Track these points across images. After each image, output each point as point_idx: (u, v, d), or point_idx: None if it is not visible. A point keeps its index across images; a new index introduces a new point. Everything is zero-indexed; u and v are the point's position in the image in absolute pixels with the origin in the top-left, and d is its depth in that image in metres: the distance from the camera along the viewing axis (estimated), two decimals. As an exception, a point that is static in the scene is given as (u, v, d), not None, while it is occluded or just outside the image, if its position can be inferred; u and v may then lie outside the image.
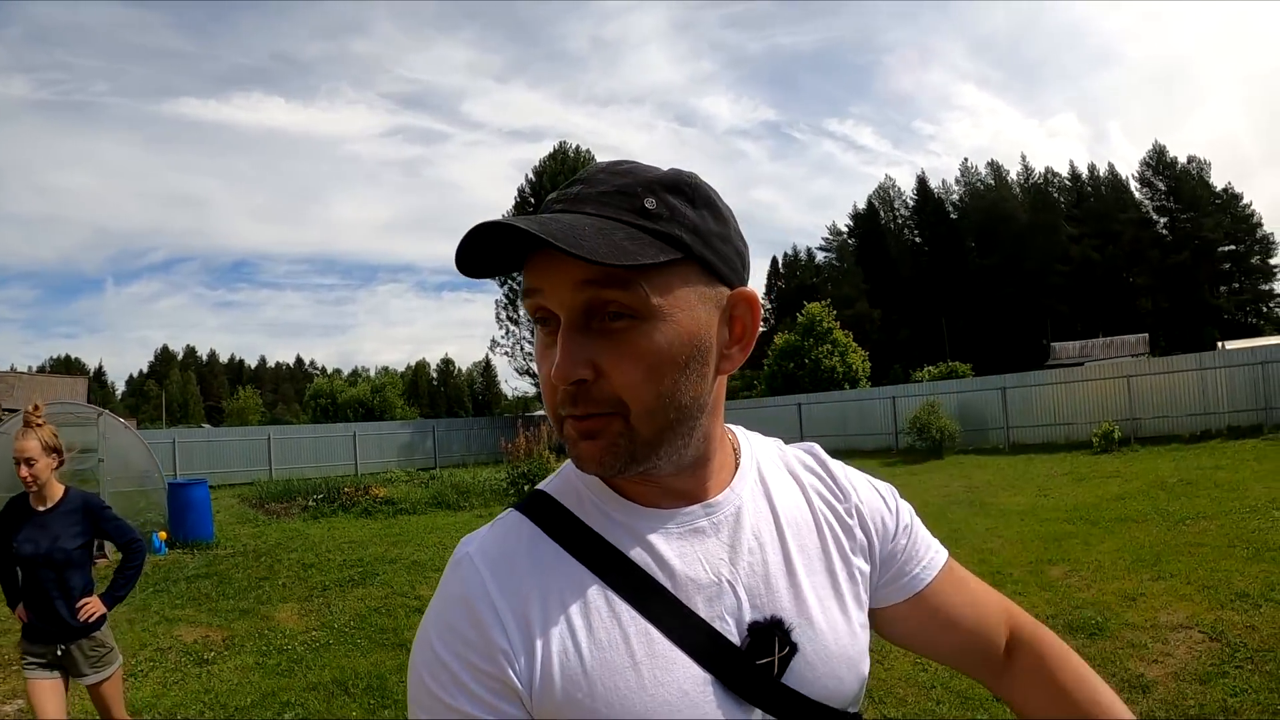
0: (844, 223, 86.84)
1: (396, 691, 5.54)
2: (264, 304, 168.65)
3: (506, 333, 39.47)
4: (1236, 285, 67.92)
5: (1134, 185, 72.78)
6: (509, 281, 39.61)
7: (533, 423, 23.02)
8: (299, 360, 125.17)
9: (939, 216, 77.94)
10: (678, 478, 0.89)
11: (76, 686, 3.90)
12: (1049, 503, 12.15)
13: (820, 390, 30.17)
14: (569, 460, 0.91)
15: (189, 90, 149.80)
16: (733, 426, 1.00)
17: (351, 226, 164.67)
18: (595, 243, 0.73)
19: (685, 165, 0.85)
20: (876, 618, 1.02)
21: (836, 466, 1.06)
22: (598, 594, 0.84)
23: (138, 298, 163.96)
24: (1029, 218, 70.89)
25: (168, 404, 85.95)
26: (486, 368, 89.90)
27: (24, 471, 3.63)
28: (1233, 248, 67.47)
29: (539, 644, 0.81)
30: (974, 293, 70.58)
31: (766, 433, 1.08)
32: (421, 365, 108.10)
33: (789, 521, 0.95)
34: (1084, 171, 74.86)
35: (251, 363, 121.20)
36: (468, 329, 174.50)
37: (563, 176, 37.85)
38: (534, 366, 39.17)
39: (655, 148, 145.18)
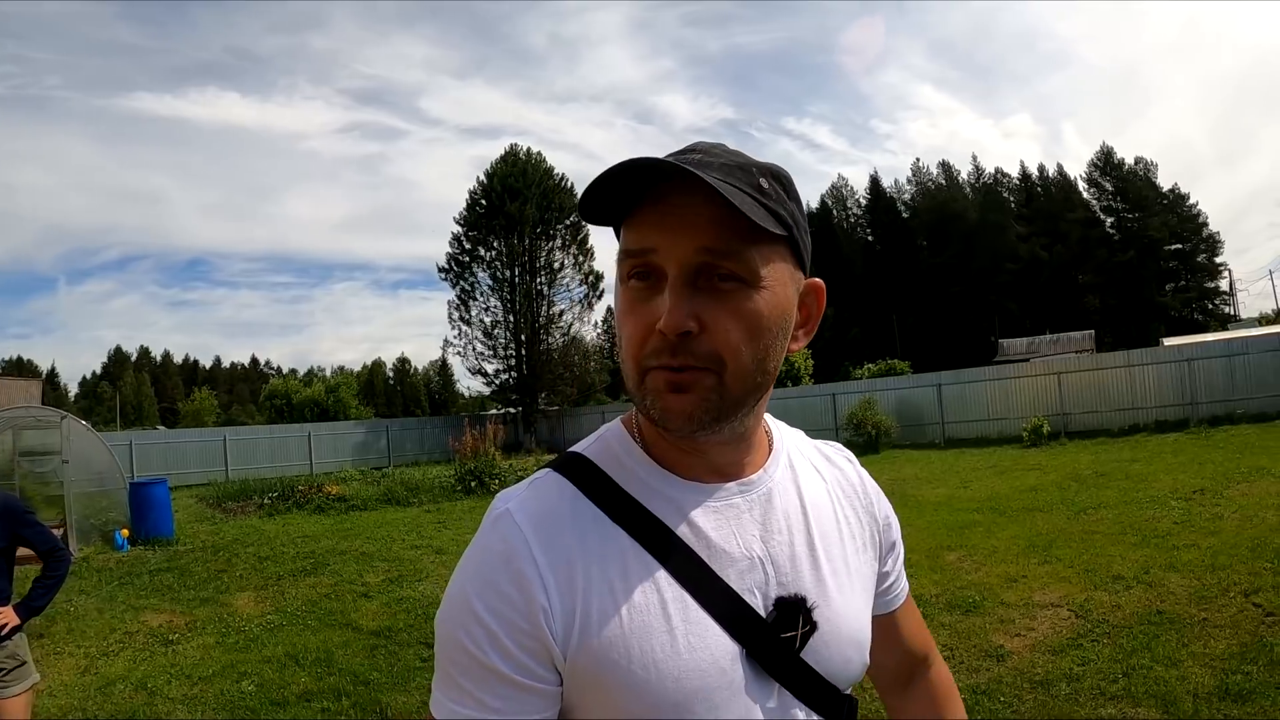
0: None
1: (341, 662, 6.25)
2: (219, 303, 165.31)
3: (459, 333, 39.74)
4: (1183, 283, 68.33)
5: (1082, 185, 73.46)
6: (460, 283, 39.93)
7: (480, 422, 23.64)
8: (254, 360, 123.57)
9: (891, 215, 78.25)
10: (723, 451, 0.93)
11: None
12: (966, 494, 12.73)
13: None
14: (607, 426, 0.99)
15: (143, 85, 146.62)
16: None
17: (307, 224, 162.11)
18: (741, 199, 0.79)
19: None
20: None
21: (863, 471, 1.12)
22: (636, 559, 0.86)
23: (90, 297, 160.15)
24: (979, 217, 70.99)
25: (122, 406, 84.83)
26: (443, 366, 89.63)
27: None
28: (1179, 246, 68.02)
29: (579, 603, 0.83)
30: (925, 291, 70.60)
31: None
32: (378, 364, 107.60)
33: (814, 508, 0.99)
34: (1034, 172, 75.43)
35: (206, 363, 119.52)
36: (425, 327, 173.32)
37: (514, 179, 38.29)
38: (485, 366, 39.26)
39: (613, 145, 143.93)
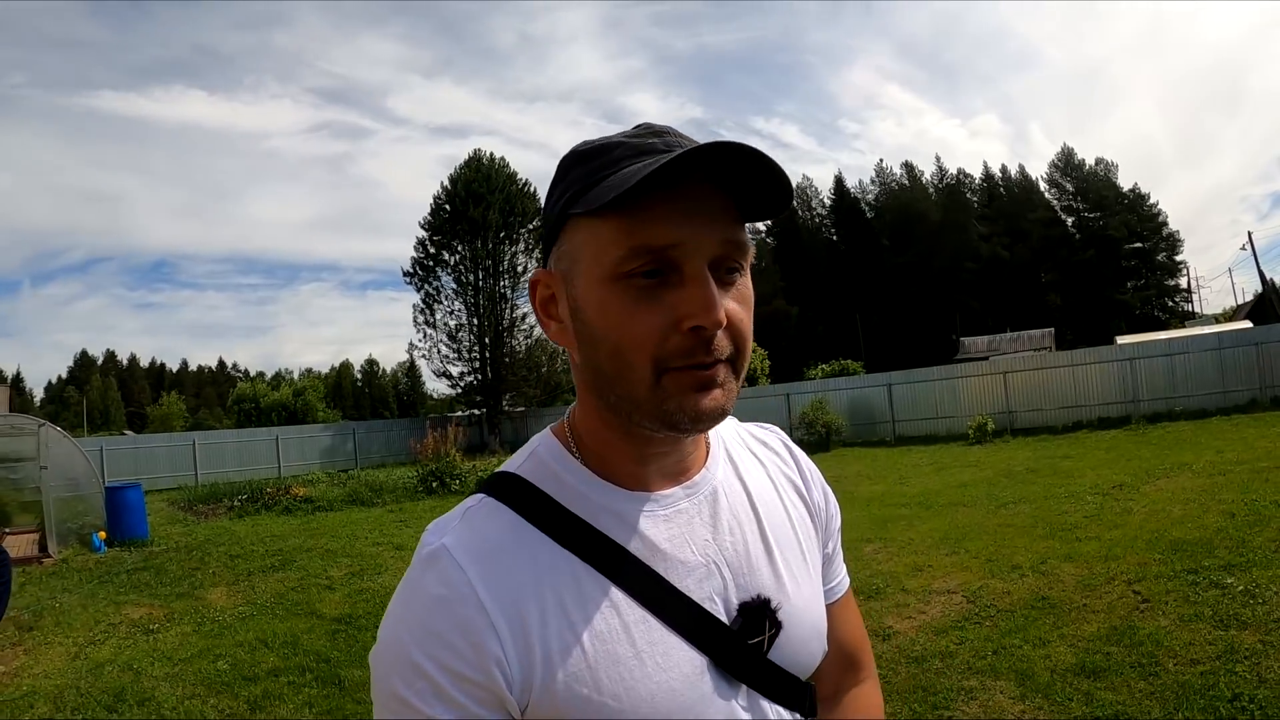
0: (762, 222, 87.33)
1: (306, 645, 7.01)
2: (185, 305, 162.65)
3: (424, 336, 40.25)
4: (1142, 281, 69.19)
5: (1043, 186, 74.32)
6: (425, 287, 40.48)
7: (441, 424, 24.24)
8: (221, 363, 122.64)
9: (855, 215, 78.67)
10: (677, 452, 0.91)
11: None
12: (901, 489, 13.24)
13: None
14: (536, 439, 0.95)
15: (107, 83, 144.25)
16: None
17: (274, 224, 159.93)
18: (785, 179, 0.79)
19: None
20: None
21: (799, 453, 1.09)
22: (592, 583, 0.83)
23: (55, 300, 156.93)
24: (941, 217, 71.65)
25: (89, 410, 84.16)
26: (411, 367, 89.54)
27: None
28: (1139, 245, 68.83)
29: (537, 643, 0.79)
30: (888, 290, 70.66)
31: None
32: (346, 366, 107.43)
33: (761, 500, 0.97)
34: (997, 172, 76.00)
35: (173, 366, 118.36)
36: (393, 328, 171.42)
37: (478, 184, 38.85)
38: (450, 369, 39.52)
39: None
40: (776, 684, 0.90)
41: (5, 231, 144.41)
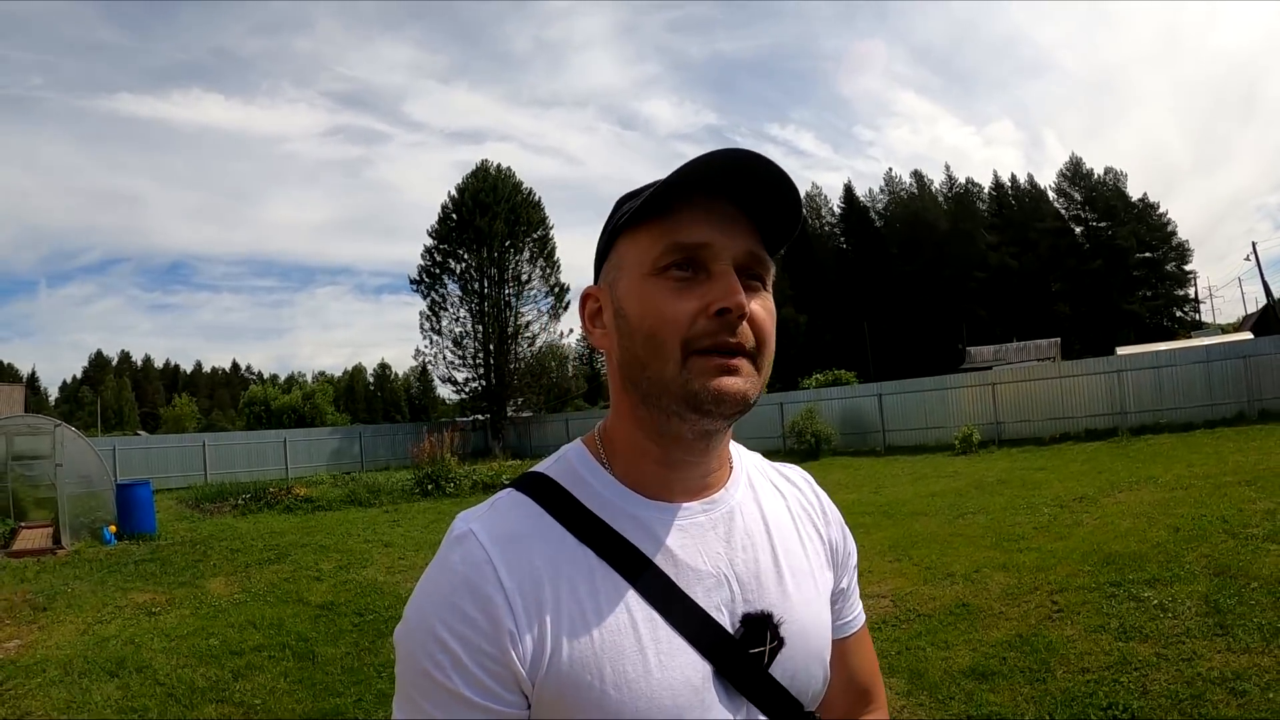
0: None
1: (289, 626, 7.76)
2: (200, 307, 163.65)
3: (430, 342, 40.96)
4: (1150, 291, 68.88)
5: (1052, 195, 74.01)
6: (431, 294, 41.09)
7: (438, 428, 24.85)
8: (235, 365, 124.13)
9: (864, 224, 78.38)
10: (699, 468, 0.96)
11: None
12: (873, 498, 13.45)
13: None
14: (568, 447, 1.01)
15: (125, 85, 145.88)
16: None
17: (290, 227, 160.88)
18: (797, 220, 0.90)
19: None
20: None
21: (822, 493, 1.14)
22: (605, 578, 0.87)
23: (71, 300, 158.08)
24: (949, 226, 71.77)
25: (102, 410, 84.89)
26: (423, 372, 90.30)
27: None
28: (1148, 255, 68.68)
29: (549, 625, 0.83)
30: (896, 298, 70.32)
31: None
32: (359, 370, 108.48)
33: (776, 524, 1.01)
34: (1006, 181, 75.89)
35: (187, 368, 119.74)
36: (406, 332, 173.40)
37: (484, 194, 39.62)
38: (455, 375, 40.19)
39: (597, 151, 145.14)
40: (777, 702, 0.92)
41: (23, 232, 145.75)
